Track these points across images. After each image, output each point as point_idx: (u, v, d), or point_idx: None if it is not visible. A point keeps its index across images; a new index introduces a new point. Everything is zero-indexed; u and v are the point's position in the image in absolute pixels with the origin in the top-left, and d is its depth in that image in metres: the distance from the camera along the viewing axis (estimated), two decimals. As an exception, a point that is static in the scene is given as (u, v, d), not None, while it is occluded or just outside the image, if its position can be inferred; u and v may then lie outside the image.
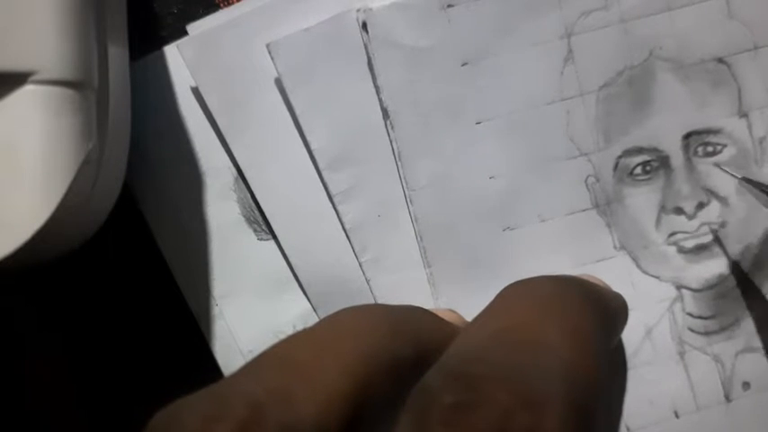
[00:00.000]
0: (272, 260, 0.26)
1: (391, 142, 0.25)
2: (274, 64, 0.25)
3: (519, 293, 0.17)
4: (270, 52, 0.24)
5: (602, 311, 0.17)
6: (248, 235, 0.26)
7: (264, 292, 0.27)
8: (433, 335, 0.17)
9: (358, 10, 0.24)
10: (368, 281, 0.26)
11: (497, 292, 0.18)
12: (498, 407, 0.13)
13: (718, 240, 0.26)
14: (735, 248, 0.26)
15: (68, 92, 0.21)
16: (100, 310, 0.27)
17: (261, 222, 0.26)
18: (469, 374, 0.13)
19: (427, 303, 0.25)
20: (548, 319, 0.15)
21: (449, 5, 0.24)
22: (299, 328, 0.18)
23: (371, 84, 0.25)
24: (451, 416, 0.13)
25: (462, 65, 0.25)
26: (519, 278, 0.19)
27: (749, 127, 0.26)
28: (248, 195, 0.26)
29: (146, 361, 0.27)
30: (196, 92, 0.26)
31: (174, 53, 0.26)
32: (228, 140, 0.26)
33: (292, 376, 0.14)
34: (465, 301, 0.25)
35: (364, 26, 0.24)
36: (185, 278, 0.26)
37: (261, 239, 0.26)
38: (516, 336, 0.15)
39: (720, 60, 0.25)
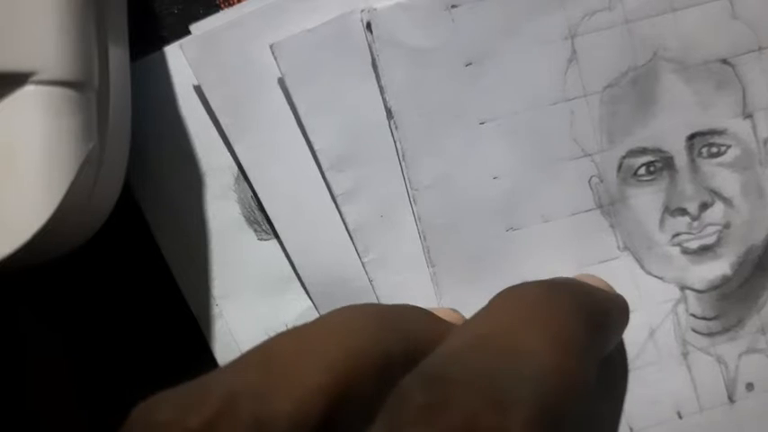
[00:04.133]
0: (272, 260, 0.26)
1: (395, 142, 0.25)
2: (278, 64, 0.25)
3: (505, 300, 0.18)
4: (273, 53, 0.24)
5: (593, 315, 0.18)
6: (249, 235, 0.26)
7: (265, 292, 0.26)
8: (425, 334, 0.17)
9: (362, 10, 0.24)
10: (371, 281, 0.26)
11: (500, 291, 0.18)
12: (466, 408, 0.13)
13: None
14: (739, 249, 0.26)
15: (69, 92, 0.21)
16: (100, 310, 0.27)
17: (261, 222, 0.26)
18: (442, 377, 0.14)
19: (431, 303, 0.25)
20: (530, 325, 0.15)
21: (453, 6, 0.24)
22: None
23: (375, 84, 0.25)
24: (422, 416, 0.13)
25: (466, 65, 0.25)
26: (522, 278, 0.19)
27: (753, 127, 0.26)
28: (248, 195, 0.26)
29: (146, 361, 0.27)
30: (198, 91, 0.26)
31: (174, 53, 0.26)
32: (231, 140, 0.26)
33: (272, 372, 0.15)
34: (468, 301, 0.24)
35: (368, 26, 0.24)
36: (185, 278, 0.26)
37: (261, 239, 0.26)
38: (496, 341, 0.15)
39: (725, 61, 0.25)
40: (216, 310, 0.26)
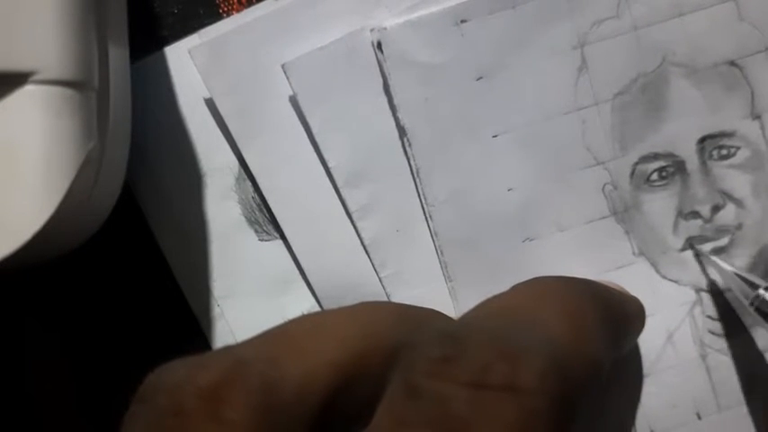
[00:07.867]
0: (273, 261, 0.26)
1: (409, 159, 0.25)
2: (290, 83, 0.25)
3: (525, 284, 0.18)
4: (285, 72, 0.25)
5: (608, 310, 0.18)
6: (249, 235, 0.26)
7: (266, 292, 0.27)
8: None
9: (371, 30, 0.24)
10: (388, 296, 0.26)
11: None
12: (478, 359, 0.13)
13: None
14: (751, 250, 0.26)
15: (69, 92, 0.21)
16: (100, 310, 0.27)
17: (262, 223, 0.26)
18: (456, 333, 0.14)
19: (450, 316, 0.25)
20: (547, 304, 0.16)
21: (462, 21, 0.24)
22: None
23: (387, 101, 0.25)
24: (435, 367, 0.13)
25: (477, 79, 0.25)
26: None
27: (762, 128, 0.26)
28: (249, 196, 0.26)
29: (147, 362, 0.27)
30: (208, 100, 0.26)
31: (174, 54, 0.26)
32: (240, 146, 0.25)
33: (284, 346, 0.15)
34: (487, 313, 0.25)
35: (379, 46, 0.24)
36: (186, 279, 0.26)
37: (262, 240, 0.27)
38: (511, 313, 0.16)
39: (733, 63, 0.25)
40: (217, 311, 0.27)
